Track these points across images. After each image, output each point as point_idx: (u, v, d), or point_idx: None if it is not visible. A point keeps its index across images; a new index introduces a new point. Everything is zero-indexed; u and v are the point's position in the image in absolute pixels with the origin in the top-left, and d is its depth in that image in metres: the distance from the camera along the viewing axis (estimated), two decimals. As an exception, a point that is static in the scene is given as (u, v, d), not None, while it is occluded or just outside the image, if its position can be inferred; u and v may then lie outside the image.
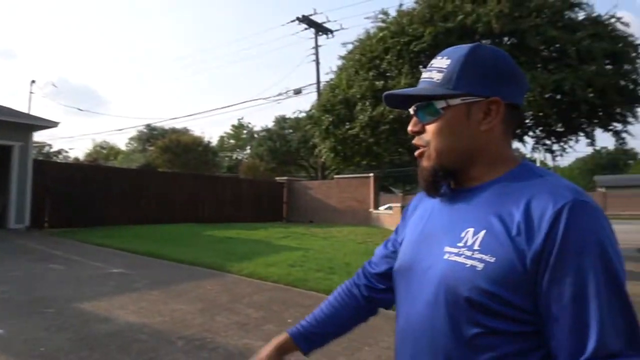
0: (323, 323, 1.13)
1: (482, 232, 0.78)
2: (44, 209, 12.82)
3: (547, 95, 8.67)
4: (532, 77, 8.30)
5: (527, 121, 10.92)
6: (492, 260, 0.74)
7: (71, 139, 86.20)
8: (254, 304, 5.06)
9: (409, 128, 0.92)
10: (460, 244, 0.80)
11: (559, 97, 9.25)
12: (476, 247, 0.77)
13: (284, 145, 30.37)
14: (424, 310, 0.83)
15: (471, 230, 0.80)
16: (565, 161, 70.96)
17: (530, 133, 11.95)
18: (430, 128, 0.88)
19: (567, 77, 8.08)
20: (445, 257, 0.81)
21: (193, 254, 8.21)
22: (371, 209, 16.80)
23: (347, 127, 11.38)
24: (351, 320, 1.14)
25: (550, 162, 25.14)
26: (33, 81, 28.29)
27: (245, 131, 47.10)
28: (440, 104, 0.86)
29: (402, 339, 0.91)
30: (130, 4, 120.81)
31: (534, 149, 12.83)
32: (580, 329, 0.68)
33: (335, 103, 11.74)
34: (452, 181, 0.90)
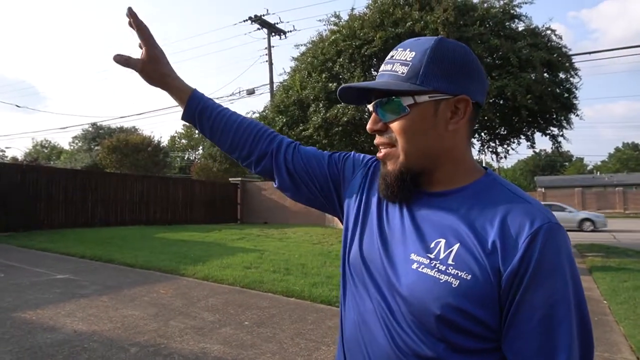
0: (219, 120, 1.06)
1: (456, 246, 0.75)
2: (-22, 213, 11.99)
3: (491, 100, 9.13)
4: (478, 83, 8.74)
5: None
6: (468, 277, 0.72)
7: (9, 138, 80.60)
8: (209, 307, 5.02)
9: (369, 126, 0.84)
10: (431, 256, 0.76)
11: (501, 102, 9.78)
12: (450, 261, 0.74)
13: (237, 145, 29.90)
14: (386, 320, 0.78)
15: (443, 241, 0.76)
16: (508, 163, 74.79)
17: (476, 136, 12.54)
18: (396, 127, 0.80)
19: (509, 83, 8.55)
20: (414, 267, 0.77)
21: (144, 258, 7.99)
22: (325, 210, 16.95)
23: (301, 128, 11.44)
24: (233, 145, 1.06)
25: (495, 164, 26.43)
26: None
27: (197, 131, 46.03)
28: (407, 101, 0.78)
29: (349, 349, 0.86)
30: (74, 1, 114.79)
31: (480, 151, 13.46)
32: (549, 350, 0.69)
33: (289, 104, 11.76)
34: (416, 184, 0.83)
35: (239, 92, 23.44)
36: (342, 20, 11.24)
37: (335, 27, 11.14)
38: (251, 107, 47.65)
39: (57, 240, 10.40)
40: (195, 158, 43.98)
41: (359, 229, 0.90)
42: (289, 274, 6.84)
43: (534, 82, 8.75)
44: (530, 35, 9.51)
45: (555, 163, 61.68)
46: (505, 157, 12.42)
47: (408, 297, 0.75)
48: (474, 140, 13.04)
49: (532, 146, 11.42)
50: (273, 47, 22.98)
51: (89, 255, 8.34)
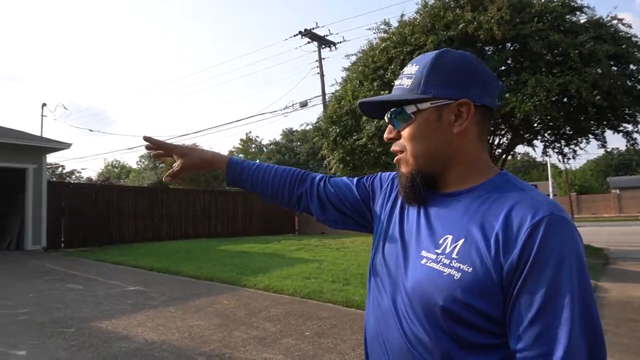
0: (257, 176, 1.19)
1: (461, 241, 0.78)
2: (60, 229, 13.03)
3: (553, 99, 8.67)
4: (537, 81, 8.33)
5: (535, 125, 10.90)
6: (469, 270, 0.74)
7: (83, 160, 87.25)
8: (271, 317, 5.10)
9: (385, 135, 0.92)
10: (439, 251, 0.80)
11: (565, 100, 9.25)
12: (454, 255, 0.77)
13: (293, 157, 30.53)
14: (402, 318, 0.82)
15: (450, 237, 0.80)
16: (577, 163, 70.35)
17: (539, 137, 11.93)
18: (404, 133, 0.88)
19: (572, 80, 8.09)
20: (423, 262, 0.82)
21: (208, 269, 8.28)
22: (382, 218, 16.73)
23: (354, 137, 11.44)
24: (274, 194, 1.19)
25: (561, 165, 24.97)
26: (44, 104, 28.75)
27: (253, 145, 47.43)
28: (411, 109, 0.87)
29: (371, 346, 0.91)
30: (132, 28, 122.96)
31: (544, 153, 12.80)
32: (548, 340, 0.68)
33: (341, 114, 11.83)
34: (430, 186, 0.89)
35: (292, 105, 23.94)
36: (392, 27, 11.19)
37: (385, 35, 11.10)
38: (305, 119, 48.61)
39: (128, 253, 11.05)
40: (252, 171, 45.13)
41: (383, 236, 0.97)
42: (348, 284, 6.82)
43: (601, 77, 8.21)
44: (593, 27, 8.96)
45: (631, 162, 57.09)
46: (573, 157, 11.74)
47: (416, 290, 0.80)
48: (537, 142, 12.43)
49: (603, 145, 10.70)
50: (324, 59, 23.28)
51: (157, 267, 8.78)
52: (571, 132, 10.83)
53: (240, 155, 49.29)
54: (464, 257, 0.76)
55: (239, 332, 4.51)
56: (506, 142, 12.92)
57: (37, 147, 13.09)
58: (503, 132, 12.65)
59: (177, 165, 1.18)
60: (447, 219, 0.84)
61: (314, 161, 27.74)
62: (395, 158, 0.92)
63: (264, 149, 41.68)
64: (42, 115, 27.64)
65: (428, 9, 10.00)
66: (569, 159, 11.48)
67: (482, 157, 0.89)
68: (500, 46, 9.95)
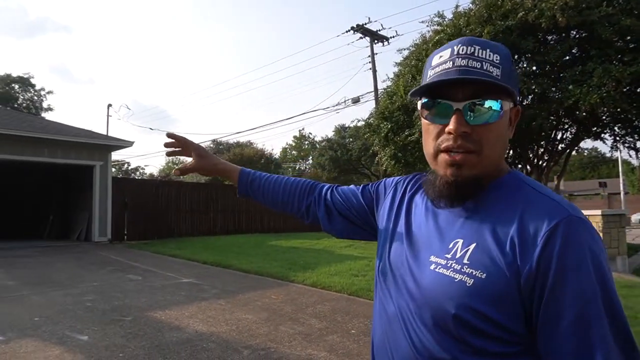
0: (267, 187, 1.19)
1: (473, 245, 0.73)
2: (123, 222, 13.82)
3: (624, 89, 8.01)
4: (605, 70, 7.73)
5: (602, 118, 10.16)
6: (483, 276, 0.70)
7: (147, 157, 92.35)
8: (317, 314, 5.10)
9: (455, 127, 0.74)
10: (448, 256, 0.75)
11: (639, 90, 8.52)
12: (465, 260, 0.72)
13: (345, 154, 30.42)
14: (411, 325, 0.78)
15: (460, 241, 0.75)
16: (651, 158, 64.83)
17: (608, 130, 11.11)
18: (485, 132, 0.75)
19: (647, 68, 7.44)
20: (432, 267, 0.76)
21: (258, 264, 8.45)
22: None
23: (406, 133, 11.21)
24: (284, 203, 1.18)
25: (634, 161, 23.17)
26: (110, 105, 30.56)
27: (306, 142, 47.91)
28: (506, 105, 0.76)
29: (378, 353, 0.86)
30: (187, 30, 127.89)
31: (613, 147, 11.93)
32: (585, 349, 0.64)
33: (393, 110, 11.62)
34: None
35: (345, 101, 23.82)
36: (446, 19, 10.83)
37: (439, 27, 10.77)
38: (357, 115, 48.34)
39: (184, 247, 11.52)
40: (305, 168, 45.70)
41: (389, 241, 0.91)
42: (396, 282, 6.68)
43: (682, 64, 7.48)
44: (672, 10, 8.18)
45: None
46: (649, 152, 10.85)
47: (426, 297, 0.75)
48: (606, 136, 11.60)
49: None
50: (376, 54, 22.99)
51: (211, 261, 9.07)
52: (645, 125, 10.00)
53: (294, 152, 49.99)
54: (477, 262, 0.71)
55: (285, 327, 4.54)
56: (570, 136, 12.16)
57: (103, 145, 13.94)
58: (566, 127, 11.90)
59: (191, 163, 1.20)
60: (456, 221, 0.79)
61: (365, 157, 27.52)
62: (460, 157, 0.75)
63: (317, 145, 41.92)
64: (107, 115, 29.35)
65: (484, -2, 9.58)
66: (643, 153, 10.59)
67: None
68: (563, 34, 9.34)
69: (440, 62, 0.77)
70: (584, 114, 8.54)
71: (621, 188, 29.45)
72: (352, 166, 31.99)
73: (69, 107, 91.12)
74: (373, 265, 7.10)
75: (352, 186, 1.14)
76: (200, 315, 4.99)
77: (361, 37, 22.72)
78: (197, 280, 7.18)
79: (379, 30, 22.60)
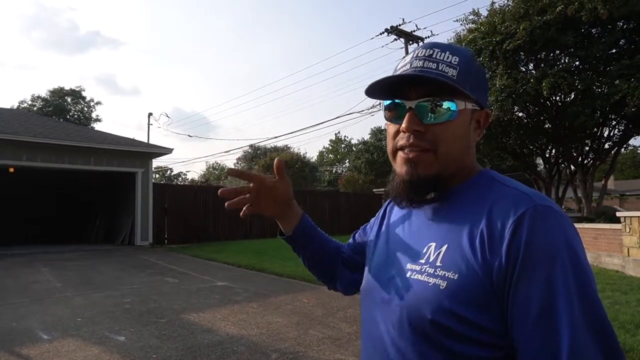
0: (318, 243, 1.12)
1: (444, 247, 0.72)
2: (164, 227, 14.27)
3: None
4: (655, 63, 7.30)
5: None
6: (455, 277, 0.68)
7: (185, 163, 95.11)
8: (347, 318, 5.07)
9: (407, 126, 0.76)
10: (422, 261, 0.74)
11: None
12: (438, 263, 0.71)
13: (381, 156, 30.23)
14: (389, 334, 0.76)
15: (433, 244, 0.74)
16: None
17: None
18: (440, 130, 0.75)
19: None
20: (408, 275, 0.75)
21: (291, 268, 8.49)
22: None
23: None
24: (324, 265, 1.13)
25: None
26: (150, 113, 31.73)
27: (343, 145, 47.91)
28: (460, 105, 0.75)
29: None
30: (222, 40, 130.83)
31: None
32: (553, 347, 0.60)
33: (427, 111, 11.46)
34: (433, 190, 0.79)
35: (380, 103, 23.63)
36: (481, 17, 10.58)
37: (473, 25, 10.53)
38: (393, 117, 47.64)
39: (221, 250, 11.75)
40: (342, 171, 45.70)
41: (370, 258, 0.91)
42: (430, 287, 6.55)
43: None
44: None
45: None
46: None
47: (403, 306, 0.73)
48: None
49: None
50: (411, 55, 22.71)
51: (245, 264, 9.21)
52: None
53: (330, 155, 49.98)
54: (449, 263, 0.70)
55: (315, 331, 4.54)
56: (618, 133, 11.56)
57: (144, 153, 14.47)
58: (614, 123, 11.33)
59: (268, 177, 1.05)
60: (429, 225, 0.78)
61: (402, 160, 27.23)
62: (414, 155, 0.76)
63: (353, 148, 41.86)
64: (148, 124, 30.47)
65: (521, -7, 9.28)
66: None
67: (475, 162, 0.83)
68: (609, 26, 8.91)
69: (401, 65, 0.80)
70: (633, 109, 8.08)
71: (678, 188, 27.61)
72: (388, 168, 31.71)
73: (116, 117, 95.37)
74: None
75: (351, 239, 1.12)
76: (232, 318, 5.07)
77: (396, 39, 22.52)
78: (231, 283, 7.30)
79: (414, 31, 22.32)
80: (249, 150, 41.23)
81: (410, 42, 22.68)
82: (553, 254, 0.62)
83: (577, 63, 9.79)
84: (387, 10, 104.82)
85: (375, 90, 0.82)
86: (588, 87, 9.18)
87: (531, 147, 13.20)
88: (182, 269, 8.99)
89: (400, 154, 0.79)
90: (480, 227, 0.69)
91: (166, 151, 15.00)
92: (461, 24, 11.38)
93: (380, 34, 22.37)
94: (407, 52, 22.40)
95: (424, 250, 0.75)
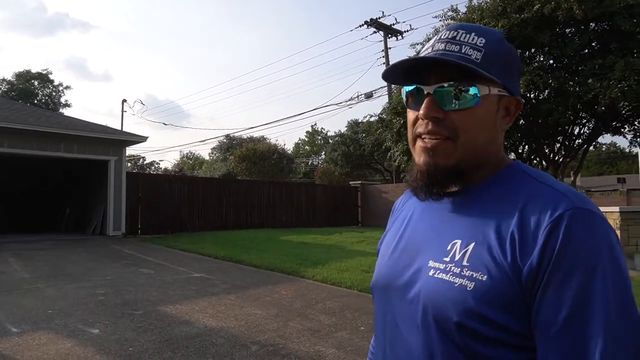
0: None
1: (471, 245, 0.68)
2: (137, 217, 13.96)
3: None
4: (627, 64, 7.54)
5: (623, 113, 9.92)
6: (484, 278, 0.64)
7: (160, 152, 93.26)
8: (327, 310, 5.08)
9: (424, 112, 0.72)
10: (447, 259, 0.70)
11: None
12: (465, 262, 0.67)
13: (358, 149, 30.34)
14: (411, 336, 0.72)
15: (458, 242, 0.70)
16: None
17: (627, 125, 10.87)
18: (461, 118, 0.71)
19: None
20: (431, 273, 0.71)
21: (269, 259, 8.45)
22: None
23: (419, 129, 11.14)
24: None
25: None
26: (124, 100, 30.88)
27: (319, 137, 47.89)
28: (483, 90, 0.70)
29: None
30: (199, 28, 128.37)
31: (632, 142, 11.69)
32: (577, 357, 0.58)
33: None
34: (456, 181, 0.75)
35: (357, 96, 23.70)
36: (459, 13, 10.68)
37: (452, 22, 10.62)
38: (369, 110, 48.15)
39: (196, 241, 11.59)
40: (318, 163, 45.70)
41: (382, 257, 0.87)
42: (407, 279, 6.62)
43: None
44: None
45: None
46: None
47: (426, 306, 0.70)
48: (626, 130, 11.36)
49: None
50: (390, 48, 22.81)
51: (222, 256, 9.11)
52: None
53: (307, 147, 49.89)
54: (476, 263, 0.66)
55: (294, 323, 4.53)
56: (588, 131, 11.92)
57: (117, 140, 14.07)
58: (584, 121, 11.67)
59: None
60: (454, 221, 0.74)
61: (378, 153, 27.37)
62: (433, 143, 0.72)
63: (330, 140, 41.86)
64: (122, 111, 29.65)
65: (500, -10, 9.40)
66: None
67: (502, 155, 0.78)
68: (582, 27, 9.13)
69: (426, 48, 0.76)
70: (604, 108, 8.34)
71: (641, 184, 28.78)
72: (364, 161, 31.90)
73: (86, 103, 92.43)
74: (384, 261, 7.11)
75: None
76: (210, 310, 5.00)
77: (375, 32, 22.56)
78: (208, 274, 7.21)
79: (393, 25, 22.42)
80: (224, 140, 40.71)
81: (389, 36, 22.75)
82: (594, 262, 0.59)
83: (551, 62, 10.04)
84: (368, 2, 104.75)
85: (394, 74, 0.78)
86: (562, 86, 9.42)
87: (505, 142, 13.48)
88: (157, 260, 8.82)
89: (418, 142, 0.76)
90: (511, 226, 0.65)
91: (141, 139, 14.63)
92: (440, 20, 11.47)
93: (360, 26, 22.38)
94: (386, 45, 22.52)
95: (448, 248, 0.71)
